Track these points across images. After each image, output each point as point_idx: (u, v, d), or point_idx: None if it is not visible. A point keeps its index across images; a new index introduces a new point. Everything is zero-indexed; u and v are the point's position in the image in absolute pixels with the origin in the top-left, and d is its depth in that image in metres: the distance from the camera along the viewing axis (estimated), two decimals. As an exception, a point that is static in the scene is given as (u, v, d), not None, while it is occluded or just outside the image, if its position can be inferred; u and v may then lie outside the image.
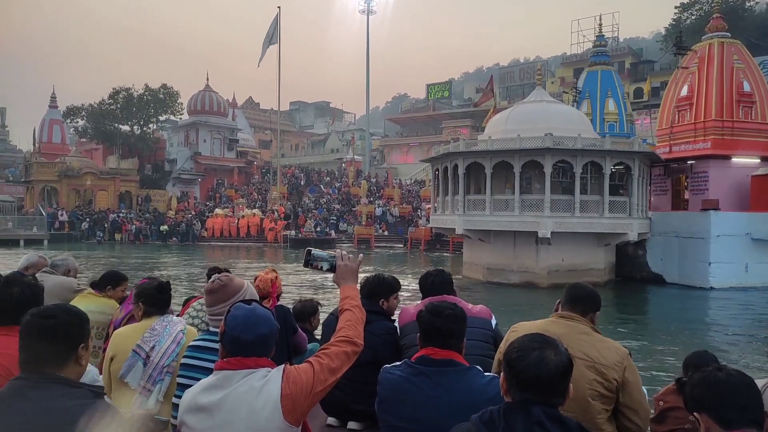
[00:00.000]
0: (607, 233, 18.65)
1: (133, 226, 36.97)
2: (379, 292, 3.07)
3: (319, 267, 2.12)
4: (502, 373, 1.58)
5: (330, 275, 2.11)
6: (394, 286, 3.21)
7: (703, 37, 22.26)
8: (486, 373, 2.00)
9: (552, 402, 1.48)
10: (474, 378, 1.96)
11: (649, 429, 3.31)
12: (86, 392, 1.53)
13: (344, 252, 2.13)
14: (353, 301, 2.02)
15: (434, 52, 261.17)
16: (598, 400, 2.23)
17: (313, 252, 2.13)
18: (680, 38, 23.23)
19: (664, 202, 22.78)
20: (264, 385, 1.67)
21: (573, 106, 25.58)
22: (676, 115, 22.08)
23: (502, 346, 2.37)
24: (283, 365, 1.74)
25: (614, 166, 18.92)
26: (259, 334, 1.71)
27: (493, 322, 2.94)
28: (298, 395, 1.67)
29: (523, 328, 2.40)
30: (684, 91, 21.69)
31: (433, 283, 3.01)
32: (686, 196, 22.09)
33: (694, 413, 1.65)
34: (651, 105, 37.35)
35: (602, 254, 19.37)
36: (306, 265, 2.15)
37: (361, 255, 2.37)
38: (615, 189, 19.20)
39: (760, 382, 1.94)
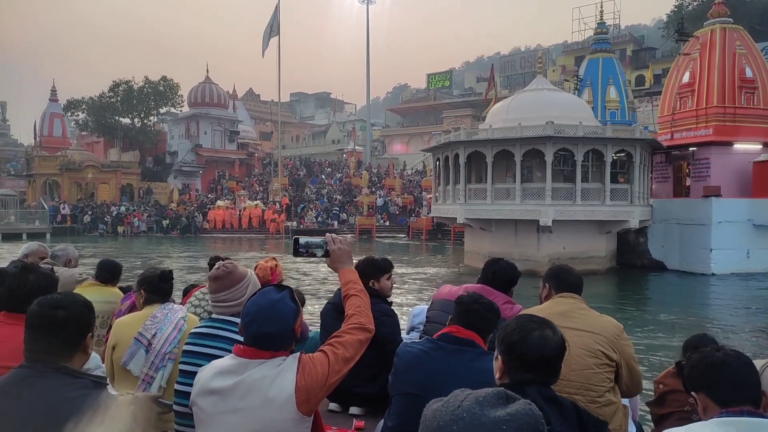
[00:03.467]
0: (609, 221, 18.63)
1: (135, 219, 37.05)
2: (369, 274, 3.11)
3: (312, 254, 2.09)
4: (498, 357, 1.59)
5: (325, 261, 2.09)
6: (384, 267, 3.24)
7: (705, 23, 22.10)
8: None
9: (549, 381, 1.50)
10: (491, 362, 1.99)
11: (640, 397, 3.37)
12: (88, 383, 1.52)
13: (334, 235, 2.10)
14: (357, 285, 2.00)
15: (435, 41, 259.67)
16: (602, 369, 2.32)
17: (301, 240, 2.09)
18: (682, 24, 23.07)
19: (665, 190, 22.73)
20: (278, 375, 1.66)
21: (574, 94, 25.46)
22: (678, 102, 21.98)
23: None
24: (298, 353, 1.73)
25: (615, 153, 18.87)
26: (262, 332, 1.67)
27: None
28: (312, 387, 1.66)
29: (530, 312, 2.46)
30: (686, 78, 21.58)
31: (495, 273, 3.04)
32: (688, 183, 22.05)
33: (692, 393, 1.66)
34: (653, 92, 37.16)
35: (603, 242, 19.38)
36: (296, 254, 2.11)
37: (350, 235, 2.38)
38: (616, 176, 19.17)
39: (758, 363, 1.95)
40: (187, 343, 2.25)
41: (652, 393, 3.24)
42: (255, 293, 1.81)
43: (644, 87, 41.22)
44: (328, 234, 2.10)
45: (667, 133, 22.08)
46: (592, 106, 23.84)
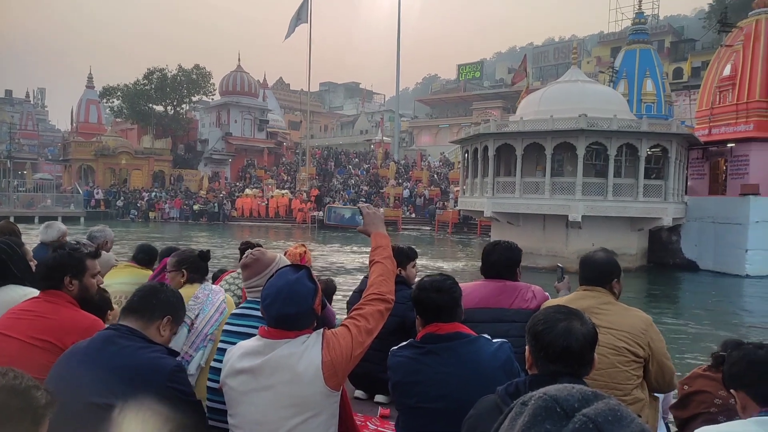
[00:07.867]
0: (641, 218, 18.23)
1: (166, 206, 37.88)
2: (396, 262, 3.12)
3: (341, 216, 2.20)
4: (527, 347, 1.58)
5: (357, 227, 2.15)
6: (410, 255, 3.26)
7: (749, 13, 21.26)
8: (494, 340, 1.98)
9: (579, 373, 1.48)
10: (483, 347, 1.94)
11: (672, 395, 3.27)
12: (162, 349, 1.84)
13: (366, 204, 2.16)
14: (385, 252, 1.98)
15: (466, 32, 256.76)
16: (628, 366, 2.27)
17: (333, 208, 2.23)
18: (725, 14, 22.27)
19: (701, 187, 22.10)
20: (304, 351, 1.69)
21: (609, 86, 24.87)
22: (718, 96, 21.28)
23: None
24: (321, 330, 1.76)
25: (650, 148, 18.40)
26: (283, 314, 1.70)
27: None
28: (338, 361, 1.69)
29: (551, 304, 2.40)
30: (727, 71, 20.85)
31: (496, 262, 2.77)
32: (724, 181, 21.38)
33: (731, 391, 1.63)
34: (691, 86, 35.98)
35: (635, 239, 18.98)
36: (329, 220, 2.21)
37: (382, 209, 2.45)
38: (650, 172, 18.71)
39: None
40: (227, 323, 2.32)
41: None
42: (272, 275, 1.82)
43: (682, 80, 39.97)
44: (359, 204, 2.14)
45: (705, 128, 21.42)
46: (627, 99, 23.26)
